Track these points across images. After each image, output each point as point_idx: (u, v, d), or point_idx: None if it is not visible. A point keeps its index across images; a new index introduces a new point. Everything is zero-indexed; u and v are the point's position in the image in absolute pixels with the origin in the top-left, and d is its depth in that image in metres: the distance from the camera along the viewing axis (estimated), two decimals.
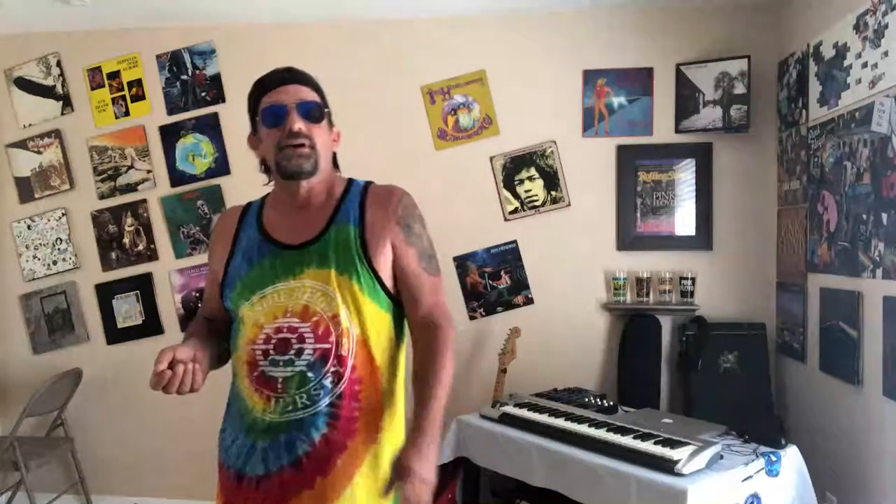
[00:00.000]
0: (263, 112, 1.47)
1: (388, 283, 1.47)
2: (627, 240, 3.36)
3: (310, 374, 1.37)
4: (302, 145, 1.43)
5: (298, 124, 1.43)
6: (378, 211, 1.48)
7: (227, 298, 1.48)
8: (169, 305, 3.62)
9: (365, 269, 1.43)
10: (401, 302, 1.51)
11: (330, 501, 1.37)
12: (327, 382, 1.38)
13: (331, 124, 1.53)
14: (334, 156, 1.56)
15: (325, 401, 1.38)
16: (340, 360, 1.39)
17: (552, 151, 3.40)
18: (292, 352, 1.38)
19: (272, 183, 1.57)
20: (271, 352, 1.39)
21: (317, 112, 1.46)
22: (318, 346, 1.38)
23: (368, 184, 1.55)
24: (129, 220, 3.64)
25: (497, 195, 3.44)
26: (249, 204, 1.60)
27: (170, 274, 3.61)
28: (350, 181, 1.56)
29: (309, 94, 1.47)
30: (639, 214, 3.36)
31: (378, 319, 1.45)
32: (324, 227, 1.46)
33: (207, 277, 1.62)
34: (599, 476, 2.23)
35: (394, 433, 1.47)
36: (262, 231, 1.50)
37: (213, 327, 1.56)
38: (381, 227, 1.47)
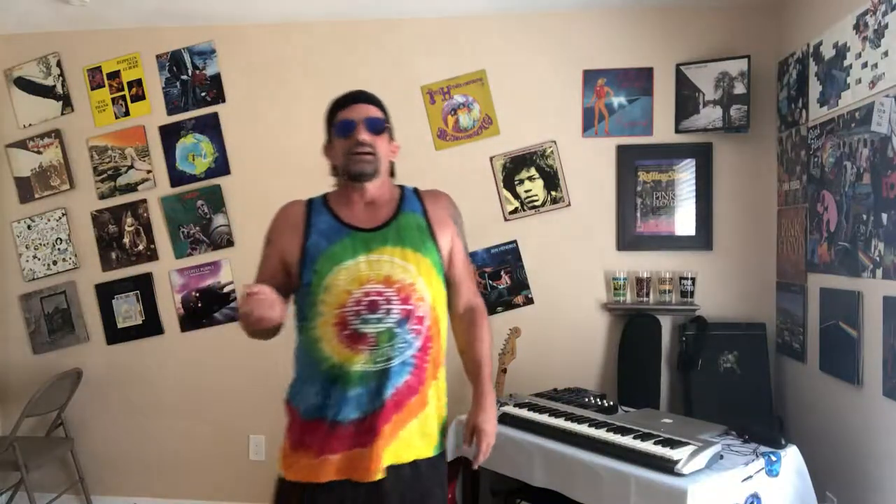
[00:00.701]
0: (337, 126, 1.76)
1: (446, 263, 1.80)
2: (627, 240, 3.37)
3: (397, 330, 1.65)
4: (367, 153, 1.72)
5: (364, 135, 1.72)
6: (436, 207, 1.82)
7: (309, 271, 1.69)
8: (169, 305, 3.62)
9: (434, 248, 1.75)
10: (447, 281, 1.83)
11: (395, 435, 1.68)
12: (410, 338, 1.67)
13: (391, 138, 1.81)
14: (392, 165, 1.84)
15: (409, 352, 1.68)
16: (419, 319, 1.69)
17: (552, 151, 3.40)
18: (381, 311, 1.64)
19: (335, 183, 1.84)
20: (363, 311, 1.64)
21: (380, 126, 1.75)
22: (402, 307, 1.66)
23: (416, 188, 1.87)
24: (129, 220, 3.64)
25: (497, 195, 3.44)
26: (310, 200, 1.82)
27: (170, 274, 3.61)
28: (402, 187, 1.86)
29: (374, 112, 1.76)
30: (639, 214, 3.36)
31: (440, 291, 1.77)
32: (393, 214, 1.76)
33: (267, 260, 1.80)
34: (599, 476, 2.23)
35: (441, 380, 1.81)
36: (336, 217, 1.75)
37: None
38: (442, 220, 1.81)
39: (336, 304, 1.65)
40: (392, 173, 1.86)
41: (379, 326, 1.64)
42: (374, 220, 1.75)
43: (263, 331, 1.65)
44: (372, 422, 1.65)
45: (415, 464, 1.72)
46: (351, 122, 1.72)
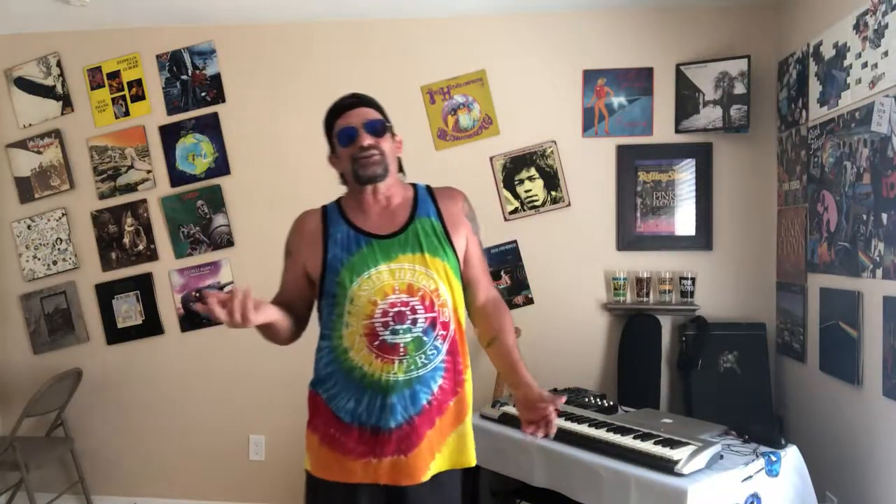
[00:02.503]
0: (338, 134, 1.74)
1: (462, 264, 1.80)
2: (627, 240, 3.37)
3: (425, 339, 1.67)
4: (373, 155, 1.71)
5: (367, 140, 1.71)
6: (450, 206, 1.81)
7: (332, 283, 1.70)
8: (169, 305, 3.62)
9: (451, 252, 1.75)
10: (463, 280, 1.82)
11: (446, 435, 1.72)
12: (438, 343, 1.69)
13: (393, 134, 1.79)
14: (399, 161, 1.82)
15: (440, 358, 1.70)
16: (444, 325, 1.70)
17: (552, 151, 3.40)
18: (408, 321, 1.66)
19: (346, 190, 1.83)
20: (391, 322, 1.65)
21: (381, 127, 1.74)
22: (428, 315, 1.68)
23: (428, 186, 1.86)
24: (129, 220, 3.64)
25: (497, 195, 3.44)
26: (325, 207, 1.82)
27: (170, 274, 3.61)
28: (414, 185, 1.85)
29: (372, 114, 1.75)
30: (639, 214, 3.36)
31: (459, 293, 1.77)
32: (408, 220, 1.76)
33: (288, 273, 1.82)
34: (599, 476, 2.23)
35: (469, 381, 1.81)
36: (352, 227, 1.75)
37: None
38: (457, 220, 1.80)
39: (363, 316, 1.66)
40: (400, 168, 1.85)
41: (407, 336, 1.65)
42: (390, 225, 1.74)
43: (274, 335, 1.70)
44: (413, 428, 1.67)
45: (447, 473, 1.74)
46: (352, 129, 1.72)
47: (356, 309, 1.67)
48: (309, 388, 1.77)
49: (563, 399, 1.66)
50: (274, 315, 1.64)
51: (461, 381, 1.76)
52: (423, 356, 1.67)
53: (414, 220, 1.75)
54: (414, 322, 1.66)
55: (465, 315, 1.80)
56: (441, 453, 1.71)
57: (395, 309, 1.65)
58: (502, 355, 1.80)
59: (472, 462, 1.78)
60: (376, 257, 1.69)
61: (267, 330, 1.67)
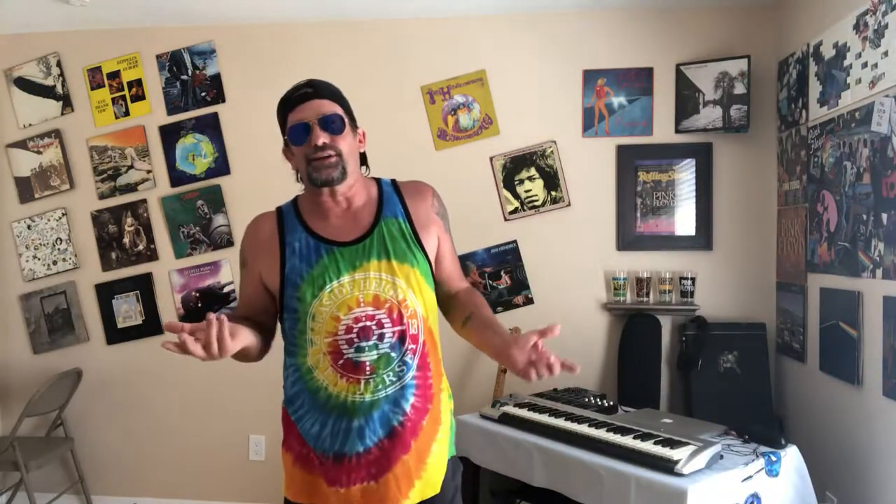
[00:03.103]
0: (290, 131, 1.57)
1: (434, 266, 1.66)
2: (627, 240, 3.37)
3: (393, 354, 1.53)
4: (329, 156, 1.53)
5: (322, 138, 1.52)
6: (419, 204, 1.65)
7: (292, 298, 1.55)
8: (169, 305, 3.62)
9: (421, 255, 1.60)
10: (435, 281, 1.68)
11: (424, 458, 1.57)
12: (408, 359, 1.55)
13: (354, 127, 1.62)
14: (363, 155, 1.67)
15: (409, 374, 1.55)
16: (413, 337, 1.56)
17: (552, 151, 3.40)
18: (375, 337, 1.52)
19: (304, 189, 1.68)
20: (355, 339, 1.51)
21: (338, 123, 1.55)
22: (395, 328, 1.54)
23: (394, 181, 1.69)
24: (129, 220, 3.64)
25: (497, 195, 3.44)
26: (280, 210, 1.67)
27: (170, 274, 3.61)
28: (378, 180, 1.68)
29: (329, 107, 1.55)
30: (639, 214, 3.36)
31: (431, 297, 1.63)
32: (373, 223, 1.60)
33: (246, 284, 1.67)
34: (599, 476, 2.23)
35: (446, 388, 1.68)
36: (311, 234, 1.59)
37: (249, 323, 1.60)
38: (426, 219, 1.64)
39: (325, 333, 1.52)
40: (363, 162, 1.67)
41: (373, 353, 1.51)
42: (353, 230, 1.58)
43: (244, 356, 1.54)
44: (383, 453, 1.53)
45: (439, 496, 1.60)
46: (304, 126, 1.53)
47: (318, 325, 1.53)
48: (282, 405, 1.64)
49: (556, 330, 1.42)
50: (248, 338, 1.49)
51: (431, 396, 1.60)
52: (390, 374, 1.53)
53: (379, 222, 1.59)
54: (381, 337, 1.52)
55: (437, 321, 1.66)
56: (422, 480, 1.56)
57: (360, 324, 1.51)
58: (481, 327, 1.61)
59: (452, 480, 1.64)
60: (338, 267, 1.53)
61: (238, 353, 1.47)
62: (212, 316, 1.35)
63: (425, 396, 1.59)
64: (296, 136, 1.55)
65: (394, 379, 1.54)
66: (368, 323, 1.52)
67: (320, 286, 1.53)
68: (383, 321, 1.53)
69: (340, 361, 1.52)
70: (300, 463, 1.58)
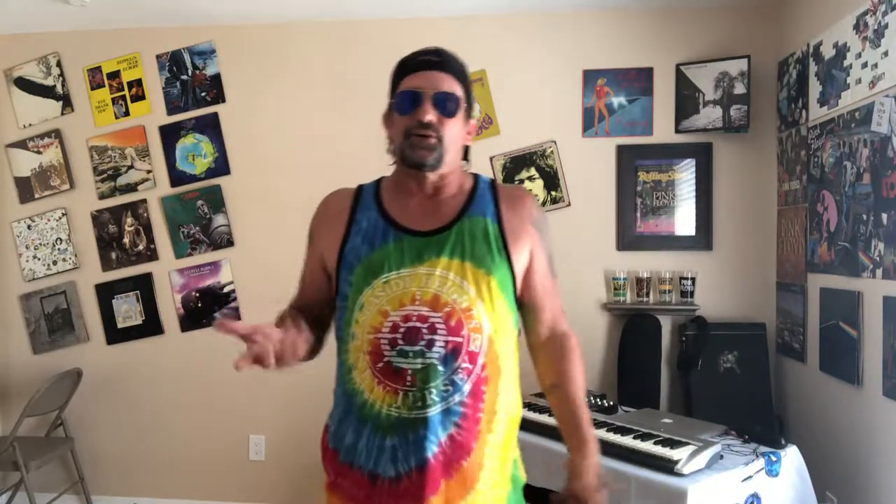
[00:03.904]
0: (399, 96, 1.39)
1: (519, 283, 1.43)
2: (627, 240, 3.36)
3: (441, 368, 1.29)
4: (429, 136, 1.35)
5: (430, 115, 1.34)
6: (514, 210, 1.43)
7: (345, 282, 1.37)
8: (169, 305, 3.62)
9: (505, 266, 1.38)
10: (520, 304, 1.46)
11: None
12: (458, 379, 1.30)
13: (469, 116, 1.44)
14: (466, 149, 1.48)
15: (455, 398, 1.30)
16: (471, 356, 1.31)
17: (552, 151, 3.40)
18: (423, 342, 1.29)
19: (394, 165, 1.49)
20: (399, 341, 1.29)
21: (452, 105, 1.37)
22: (451, 338, 1.30)
23: (493, 180, 1.51)
24: (129, 220, 3.64)
25: None
26: (361, 187, 1.49)
27: (170, 274, 3.61)
28: (476, 176, 1.49)
29: (449, 84, 1.38)
30: (639, 214, 3.36)
31: (506, 319, 1.39)
32: (456, 216, 1.39)
33: (307, 265, 1.50)
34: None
35: (505, 435, 1.40)
36: (384, 215, 1.40)
37: (305, 314, 1.43)
38: (520, 227, 1.42)
39: (370, 328, 1.32)
40: (465, 157, 1.48)
41: (417, 361, 1.29)
42: (433, 220, 1.38)
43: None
44: (414, 487, 1.29)
45: None
46: (416, 95, 1.35)
47: (364, 318, 1.32)
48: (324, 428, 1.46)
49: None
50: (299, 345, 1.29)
51: (477, 433, 1.32)
52: (433, 392, 1.28)
53: (463, 218, 1.39)
54: (429, 345, 1.28)
55: (509, 350, 1.40)
56: None
57: (409, 324, 1.29)
58: (563, 408, 1.45)
59: None
60: (402, 257, 1.34)
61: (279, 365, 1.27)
62: (284, 326, 1.23)
63: (471, 432, 1.31)
64: (402, 103, 1.37)
65: (436, 399, 1.29)
66: (419, 324, 1.29)
67: (375, 273, 1.33)
68: (437, 326, 1.30)
69: (380, 364, 1.30)
70: (335, 490, 1.40)
